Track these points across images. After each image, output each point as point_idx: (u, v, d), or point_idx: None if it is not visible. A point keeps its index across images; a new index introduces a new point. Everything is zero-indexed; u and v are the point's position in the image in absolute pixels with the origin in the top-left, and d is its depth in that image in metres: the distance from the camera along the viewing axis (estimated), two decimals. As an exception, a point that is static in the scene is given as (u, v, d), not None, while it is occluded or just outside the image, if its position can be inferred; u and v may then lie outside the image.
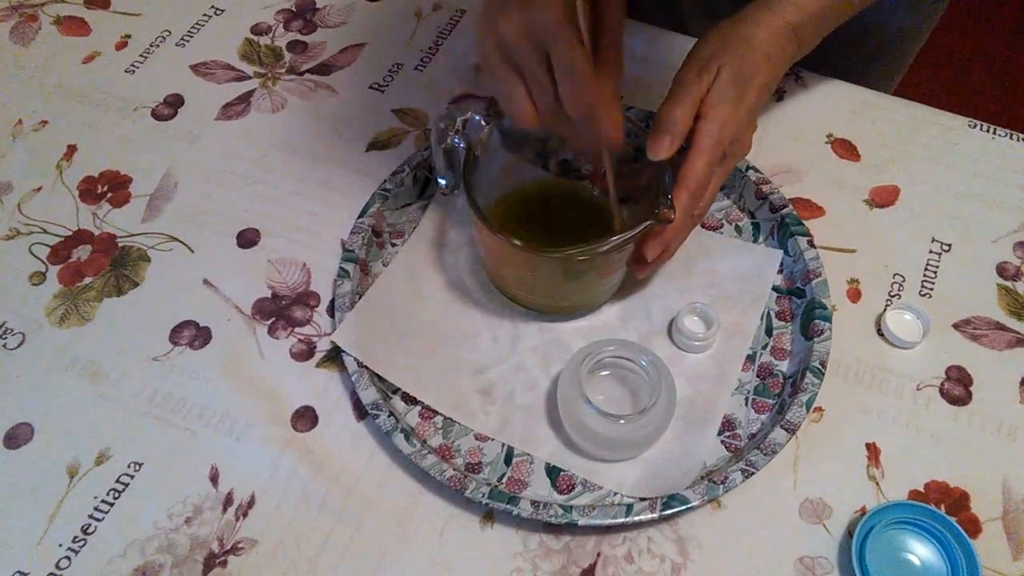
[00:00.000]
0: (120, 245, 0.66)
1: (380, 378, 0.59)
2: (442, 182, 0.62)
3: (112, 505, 0.55)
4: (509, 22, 0.46)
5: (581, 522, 0.52)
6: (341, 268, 0.63)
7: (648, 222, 0.52)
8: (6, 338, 0.62)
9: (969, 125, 0.75)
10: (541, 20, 0.45)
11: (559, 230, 0.60)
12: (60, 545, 0.54)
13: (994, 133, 0.74)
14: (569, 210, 0.63)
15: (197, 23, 0.81)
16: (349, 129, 0.74)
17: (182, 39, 0.80)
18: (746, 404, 0.60)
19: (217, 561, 0.53)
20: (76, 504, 0.55)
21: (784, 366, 0.61)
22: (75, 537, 0.54)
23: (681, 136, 0.54)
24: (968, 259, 0.67)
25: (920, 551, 0.54)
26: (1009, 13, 2.02)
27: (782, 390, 0.60)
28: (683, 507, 0.53)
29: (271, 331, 0.62)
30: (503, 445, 0.58)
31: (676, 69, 0.57)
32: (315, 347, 0.62)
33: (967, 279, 0.66)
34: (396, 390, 0.60)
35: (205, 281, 0.65)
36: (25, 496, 0.55)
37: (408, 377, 0.60)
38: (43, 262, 0.65)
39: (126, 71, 0.77)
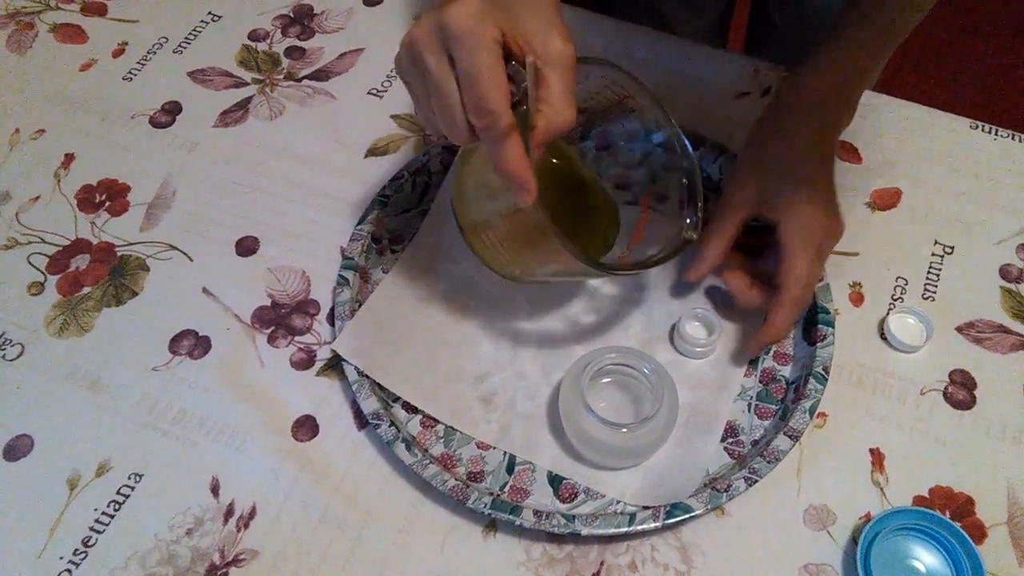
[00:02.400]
0: (119, 254, 0.66)
1: (381, 387, 0.59)
2: None
3: (113, 517, 0.55)
4: (422, 24, 0.44)
5: (584, 532, 0.52)
6: (340, 276, 0.62)
7: (675, 249, 0.54)
8: (5, 349, 0.61)
9: (971, 126, 0.75)
10: (447, 18, 0.42)
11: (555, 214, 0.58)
12: (61, 558, 0.53)
13: (996, 134, 0.74)
14: (565, 194, 0.61)
15: (194, 30, 0.81)
16: (348, 135, 0.73)
17: (179, 46, 0.80)
18: (749, 410, 0.59)
19: (219, 573, 0.53)
20: (77, 516, 0.55)
21: (787, 371, 0.61)
22: (76, 550, 0.54)
23: (712, 268, 0.60)
24: (971, 262, 0.67)
25: (925, 557, 0.53)
26: (1011, 13, 2.02)
27: (785, 396, 0.60)
28: (686, 516, 0.52)
29: (271, 340, 0.62)
30: (505, 454, 0.58)
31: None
32: (315, 356, 0.61)
33: (970, 282, 0.66)
34: (397, 398, 0.59)
35: (204, 290, 0.64)
36: (25, 508, 0.55)
37: (408, 386, 0.59)
38: (41, 272, 0.65)
39: (123, 79, 0.77)
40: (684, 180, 0.56)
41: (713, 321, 0.61)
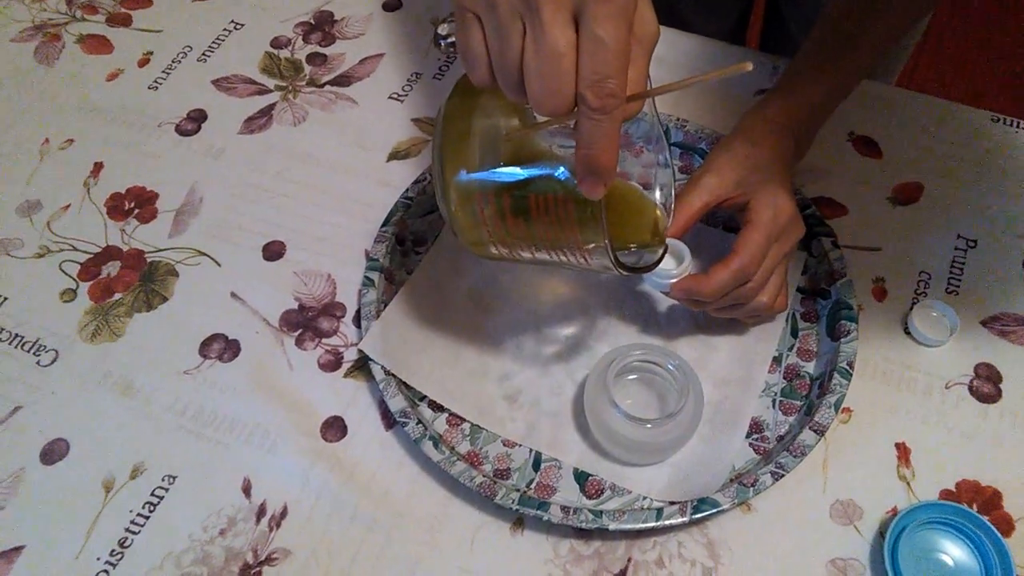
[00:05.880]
0: (148, 260, 0.67)
1: (407, 386, 0.60)
2: None
3: (148, 518, 0.56)
4: None
5: (612, 527, 0.52)
6: (366, 277, 0.63)
7: (660, 247, 0.53)
8: (40, 355, 0.63)
9: (992, 119, 0.74)
10: None
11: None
12: (98, 559, 0.54)
13: (1018, 127, 0.74)
14: None
15: (218, 38, 0.82)
16: (370, 140, 0.74)
17: (203, 54, 0.81)
18: (773, 406, 0.60)
19: (252, 572, 0.54)
20: (112, 518, 0.56)
21: (811, 367, 0.61)
22: (112, 551, 0.55)
23: (679, 227, 0.56)
24: (994, 255, 0.67)
25: (953, 551, 0.53)
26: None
27: (809, 391, 0.60)
28: (713, 510, 0.53)
29: (298, 342, 0.63)
30: (530, 451, 0.58)
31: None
32: (342, 357, 0.62)
33: (994, 275, 0.66)
34: (423, 397, 0.60)
35: (233, 294, 0.66)
36: (63, 511, 0.56)
37: (434, 385, 0.60)
38: (73, 279, 0.66)
39: (149, 88, 0.78)
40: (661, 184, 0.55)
41: (682, 251, 0.57)
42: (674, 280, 0.56)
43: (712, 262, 0.56)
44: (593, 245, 0.45)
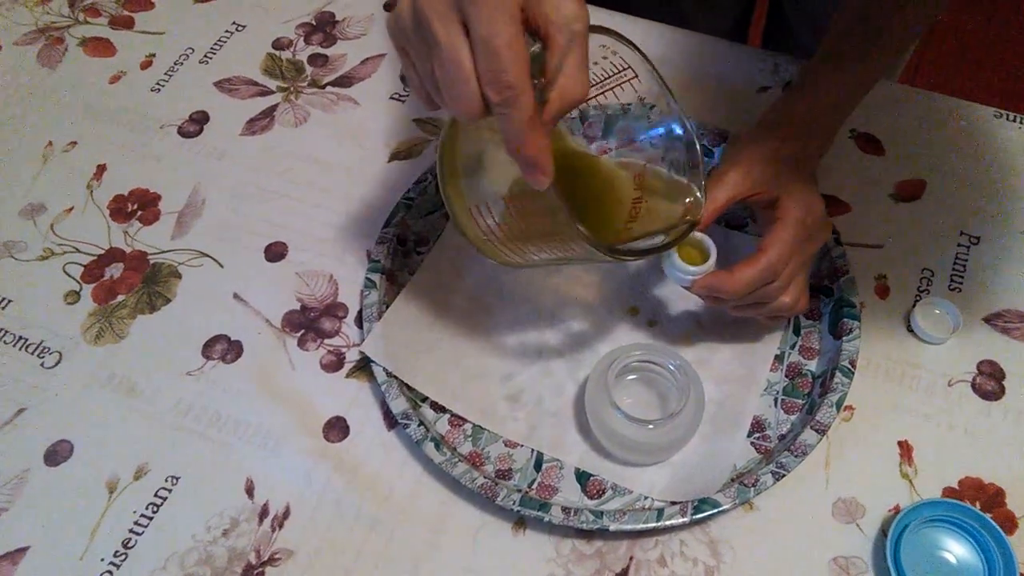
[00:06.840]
0: (151, 262, 0.68)
1: (409, 387, 0.60)
2: None
3: (151, 519, 0.56)
4: None
5: (612, 528, 0.52)
6: (367, 278, 0.63)
7: (681, 232, 0.52)
8: (44, 357, 0.63)
9: (995, 115, 0.74)
10: None
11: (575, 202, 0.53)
12: (102, 559, 0.55)
13: (1021, 123, 0.74)
14: (570, 175, 0.56)
15: (219, 40, 0.82)
16: (371, 140, 0.74)
17: (205, 56, 0.81)
18: (775, 405, 0.60)
19: (255, 572, 0.54)
20: (116, 519, 0.56)
21: (813, 365, 0.61)
22: (116, 552, 0.55)
23: (703, 221, 0.55)
24: (997, 251, 0.66)
25: (956, 549, 0.53)
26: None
27: (811, 390, 0.60)
28: (715, 510, 0.53)
29: (301, 343, 0.63)
30: (532, 451, 0.58)
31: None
32: (344, 358, 0.62)
33: (997, 272, 0.65)
34: (425, 398, 0.60)
35: (235, 295, 0.66)
36: (67, 512, 0.57)
37: (436, 385, 0.60)
38: (77, 281, 0.67)
39: (152, 90, 0.79)
40: (685, 153, 0.54)
41: (708, 246, 0.55)
42: (697, 276, 0.54)
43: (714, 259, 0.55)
44: (566, 236, 0.46)
